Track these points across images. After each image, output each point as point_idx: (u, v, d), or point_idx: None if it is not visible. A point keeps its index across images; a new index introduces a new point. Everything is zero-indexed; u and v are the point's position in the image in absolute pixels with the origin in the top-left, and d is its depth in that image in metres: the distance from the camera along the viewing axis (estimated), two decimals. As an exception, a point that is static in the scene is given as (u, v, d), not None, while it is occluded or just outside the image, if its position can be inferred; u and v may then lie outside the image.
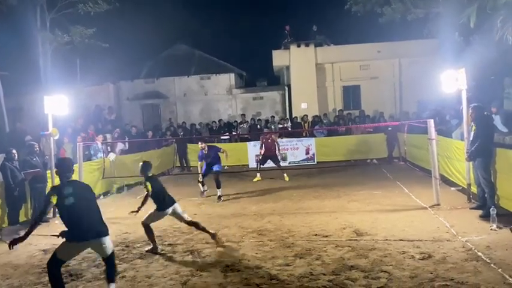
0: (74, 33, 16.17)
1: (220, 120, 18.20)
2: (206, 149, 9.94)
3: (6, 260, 6.06)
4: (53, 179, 8.76)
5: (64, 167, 4.40)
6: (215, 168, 9.87)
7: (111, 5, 16.17)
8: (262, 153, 12.14)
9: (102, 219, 4.34)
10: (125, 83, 20.47)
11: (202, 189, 10.21)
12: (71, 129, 12.58)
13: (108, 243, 4.32)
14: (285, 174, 11.92)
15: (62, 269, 5.42)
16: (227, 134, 16.71)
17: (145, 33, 19.67)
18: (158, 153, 14.59)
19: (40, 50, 15.68)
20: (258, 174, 12.27)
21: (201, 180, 10.16)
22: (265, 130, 16.78)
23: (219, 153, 10.04)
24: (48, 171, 8.79)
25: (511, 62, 12.90)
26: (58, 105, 8.90)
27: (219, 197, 9.66)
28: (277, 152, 12.21)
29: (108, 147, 11.96)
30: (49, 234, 5.81)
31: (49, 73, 15.68)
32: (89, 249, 6.25)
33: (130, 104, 20.36)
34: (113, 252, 4.44)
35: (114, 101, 20.21)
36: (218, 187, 9.71)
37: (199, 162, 10.20)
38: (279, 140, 15.37)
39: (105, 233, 4.29)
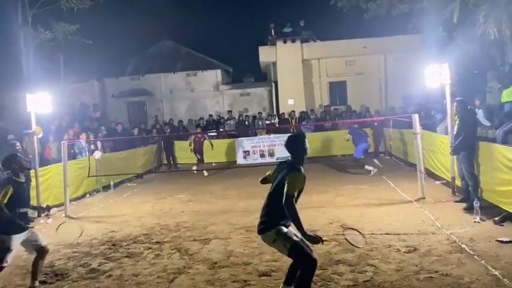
0: (56, 30, 15.87)
1: (210, 116, 18.13)
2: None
3: (-10, 261, 5.94)
4: (36, 178, 8.64)
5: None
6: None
7: (95, 1, 15.93)
8: (192, 148, 13.58)
9: (269, 212, 3.80)
10: (109, 80, 20.21)
11: (369, 168, 11.39)
12: (55, 127, 12.38)
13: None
14: (205, 171, 13.15)
15: (47, 269, 5.39)
16: (214, 130, 16.65)
17: (130, 29, 19.37)
18: (144, 151, 14.49)
19: (22, 47, 15.36)
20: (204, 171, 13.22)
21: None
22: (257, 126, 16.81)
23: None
24: (32, 170, 8.64)
25: (494, 57, 13.12)
26: (41, 103, 8.76)
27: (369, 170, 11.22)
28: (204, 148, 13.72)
29: (92, 146, 11.81)
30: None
31: (32, 70, 15.38)
32: (79, 249, 6.22)
33: (116, 102, 20.13)
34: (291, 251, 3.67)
35: (99, 98, 19.95)
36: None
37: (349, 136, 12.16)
38: (266, 136, 15.49)
39: (262, 230, 3.80)
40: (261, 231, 3.79)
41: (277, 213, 3.66)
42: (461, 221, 6.28)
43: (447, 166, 8.33)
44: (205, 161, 13.93)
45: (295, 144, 4.03)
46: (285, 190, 3.60)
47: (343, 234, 3.84)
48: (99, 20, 17.05)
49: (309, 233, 3.55)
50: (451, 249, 5.10)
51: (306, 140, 4.08)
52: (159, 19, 21.68)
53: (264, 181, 4.22)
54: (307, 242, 3.64)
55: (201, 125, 17.28)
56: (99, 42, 17.31)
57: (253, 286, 4.49)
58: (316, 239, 3.53)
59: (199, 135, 13.66)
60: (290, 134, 4.18)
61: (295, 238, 3.67)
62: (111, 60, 19.96)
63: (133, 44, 21.24)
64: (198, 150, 13.57)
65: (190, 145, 13.61)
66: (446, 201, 7.61)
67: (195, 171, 12.85)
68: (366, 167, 11.47)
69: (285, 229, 3.72)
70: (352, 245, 3.74)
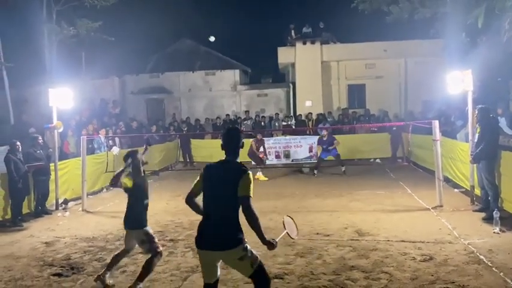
0: (80, 26, 16.16)
1: (227, 115, 18.16)
2: (326, 136, 12.37)
3: (9, 251, 6.09)
4: (56, 172, 8.81)
5: None
6: (333, 153, 12.31)
7: (118, -2, 16.18)
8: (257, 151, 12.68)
9: (231, 223, 3.32)
10: (130, 77, 20.47)
11: (315, 171, 12.31)
12: (75, 122, 12.60)
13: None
14: (261, 173, 12.30)
15: (63, 262, 5.49)
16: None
17: (151, 27, 19.62)
18: (161, 148, 14.61)
19: (46, 42, 15.69)
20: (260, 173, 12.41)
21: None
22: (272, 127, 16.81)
23: (334, 142, 12.30)
24: (52, 164, 8.82)
25: (518, 64, 12.80)
26: (63, 98, 8.93)
27: (344, 171, 11.99)
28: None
29: (110, 141, 11.97)
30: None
31: (54, 65, 15.70)
32: (94, 243, 6.30)
33: (135, 98, 20.38)
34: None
35: (118, 94, 20.23)
36: (342, 165, 12.17)
37: (318, 146, 13.03)
38: (282, 137, 15.44)
39: (229, 245, 3.29)
40: (227, 246, 3.22)
41: (238, 223, 3.27)
42: (480, 231, 6.14)
43: (467, 174, 8.17)
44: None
45: (233, 138, 3.47)
46: (242, 193, 3.22)
47: (283, 222, 3.69)
48: (121, 17, 17.32)
49: (267, 238, 3.24)
50: (469, 259, 5.00)
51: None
52: (179, 18, 21.90)
53: (191, 199, 3.48)
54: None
55: (218, 124, 17.38)
56: (120, 39, 17.54)
57: (265, 288, 4.47)
58: (275, 245, 3.28)
59: (258, 141, 12.54)
60: (226, 129, 3.65)
61: (259, 257, 3.34)
62: (132, 57, 20.21)
63: (153, 42, 21.51)
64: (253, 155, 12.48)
65: (257, 150, 12.44)
66: (465, 210, 7.46)
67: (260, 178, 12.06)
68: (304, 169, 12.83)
69: (248, 245, 3.30)
70: (288, 233, 3.62)
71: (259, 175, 12.16)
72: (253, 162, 12.54)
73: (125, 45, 18.27)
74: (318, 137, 15.21)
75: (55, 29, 15.75)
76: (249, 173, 3.28)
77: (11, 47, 15.25)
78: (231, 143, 3.43)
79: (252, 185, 3.28)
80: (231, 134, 3.51)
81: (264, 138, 12.98)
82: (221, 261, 3.36)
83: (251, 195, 3.26)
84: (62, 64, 15.67)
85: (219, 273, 3.42)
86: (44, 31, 15.56)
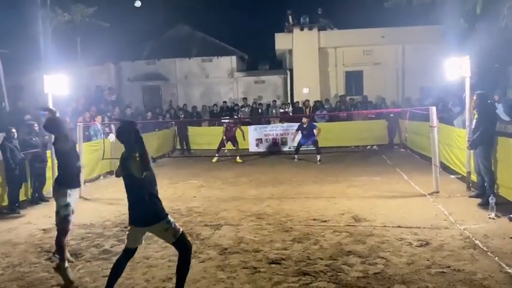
0: (74, 12, 15.97)
1: (224, 102, 18.09)
2: (306, 123, 12.59)
3: (6, 238, 6.10)
4: (52, 159, 8.77)
5: None
6: (312, 139, 12.43)
7: (112, -17, 15.94)
8: (225, 138, 13.23)
9: (153, 201, 3.94)
10: (125, 64, 20.29)
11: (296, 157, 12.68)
12: (71, 109, 12.51)
13: None
14: (238, 157, 12.94)
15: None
16: (228, 117, 16.63)
17: (147, 13, 19.36)
18: (157, 135, 14.57)
19: (40, 28, 15.45)
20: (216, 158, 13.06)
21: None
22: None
23: (315, 130, 12.48)
24: (48, 151, 8.78)
25: (516, 51, 12.76)
26: (58, 84, 8.83)
27: (319, 160, 12.02)
28: (237, 136, 13.38)
29: (107, 128, 11.91)
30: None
31: (49, 52, 15.50)
32: (92, 230, 6.32)
33: (131, 85, 20.22)
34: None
35: (114, 81, 20.07)
36: (318, 153, 12.15)
37: (296, 131, 13.14)
38: (279, 124, 15.44)
39: (155, 220, 3.93)
40: (152, 223, 3.84)
41: (158, 200, 3.89)
42: (476, 216, 6.19)
43: (463, 160, 8.20)
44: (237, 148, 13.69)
45: (125, 133, 3.81)
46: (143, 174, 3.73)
47: None
48: (116, 3, 17.06)
49: None
50: (464, 244, 5.05)
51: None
52: (175, 3, 21.59)
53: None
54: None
55: (215, 112, 17.31)
56: (115, 25, 17.34)
57: (262, 273, 4.51)
58: None
59: (231, 124, 13.25)
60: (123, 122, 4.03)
61: (179, 226, 3.94)
62: (128, 43, 20.00)
63: (149, 28, 21.20)
64: (229, 138, 13.18)
65: (223, 134, 13.16)
66: (461, 196, 7.50)
67: (239, 160, 12.75)
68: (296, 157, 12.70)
69: (171, 217, 3.93)
70: None
71: (237, 159, 12.88)
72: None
73: (120, 32, 18.05)
74: (316, 123, 15.27)
75: (49, 14, 15.53)
76: (136, 156, 3.70)
77: (5, 34, 15.02)
78: (125, 139, 3.81)
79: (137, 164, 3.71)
80: (121, 129, 3.86)
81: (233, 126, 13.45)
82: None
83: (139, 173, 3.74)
84: (57, 51, 15.44)
85: (143, 241, 4.11)
86: (38, 17, 15.32)
